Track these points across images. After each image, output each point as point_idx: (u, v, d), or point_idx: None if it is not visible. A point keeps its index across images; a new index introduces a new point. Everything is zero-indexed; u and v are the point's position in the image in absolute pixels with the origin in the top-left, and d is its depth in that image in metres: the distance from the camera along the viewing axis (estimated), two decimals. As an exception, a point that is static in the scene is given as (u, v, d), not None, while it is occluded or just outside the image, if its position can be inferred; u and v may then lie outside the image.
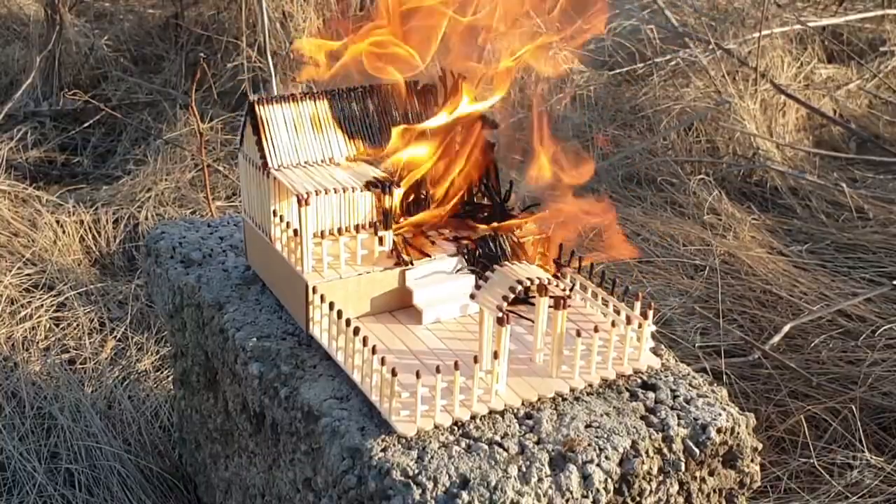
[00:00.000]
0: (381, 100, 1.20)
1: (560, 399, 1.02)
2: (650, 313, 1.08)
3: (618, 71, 3.52)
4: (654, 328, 1.10)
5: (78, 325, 2.04)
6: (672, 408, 1.02)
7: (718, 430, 1.00)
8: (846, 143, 3.34)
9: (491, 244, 1.16)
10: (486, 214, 1.21)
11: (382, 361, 0.96)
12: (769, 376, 1.87)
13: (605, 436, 0.96)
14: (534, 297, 1.07)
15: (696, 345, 1.96)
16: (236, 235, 1.43)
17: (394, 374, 0.94)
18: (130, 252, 2.44)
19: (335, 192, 1.10)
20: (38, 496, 1.55)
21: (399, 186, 1.14)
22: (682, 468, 0.98)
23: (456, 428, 0.96)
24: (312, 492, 1.01)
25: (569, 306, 1.02)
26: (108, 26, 3.86)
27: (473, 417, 0.98)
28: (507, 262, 1.06)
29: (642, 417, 1.00)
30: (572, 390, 1.03)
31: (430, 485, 0.89)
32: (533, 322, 1.08)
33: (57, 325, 2.05)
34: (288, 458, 1.06)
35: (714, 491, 1.03)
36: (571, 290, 1.17)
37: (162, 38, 3.74)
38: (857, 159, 3.14)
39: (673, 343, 1.96)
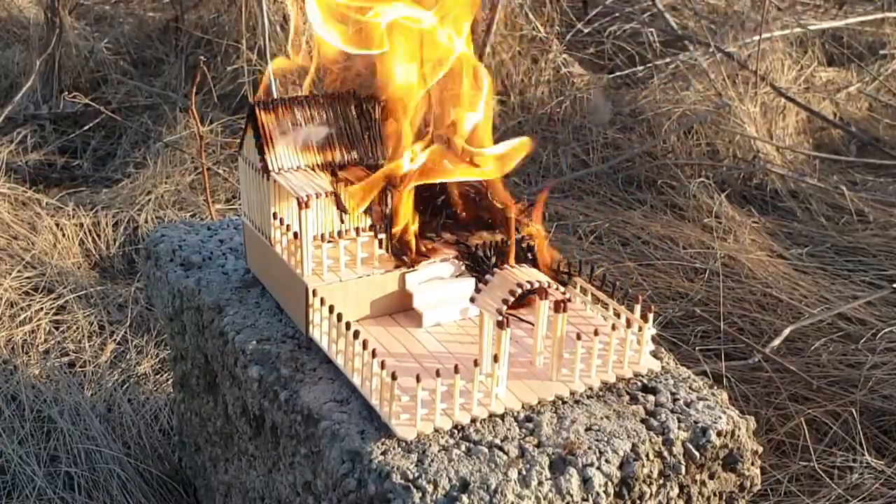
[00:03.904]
0: (382, 104, 1.20)
1: (560, 402, 1.02)
2: (650, 316, 1.08)
3: (618, 74, 3.52)
4: (654, 331, 1.10)
5: (77, 328, 2.04)
6: (672, 411, 1.02)
7: (719, 434, 1.00)
8: (846, 146, 3.34)
9: (491, 247, 1.15)
10: (486, 217, 1.21)
11: (382, 365, 0.96)
12: (769, 379, 1.86)
13: (606, 439, 0.96)
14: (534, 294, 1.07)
15: (697, 348, 1.96)
16: (236, 238, 1.43)
17: (394, 377, 0.94)
18: (130, 255, 2.44)
19: (335, 195, 1.10)
20: (37, 499, 1.55)
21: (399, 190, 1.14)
22: (683, 471, 0.98)
23: (456, 431, 0.96)
24: (312, 495, 1.01)
25: (569, 309, 1.02)
26: (108, 29, 3.86)
27: (473, 421, 0.97)
28: (506, 266, 1.06)
29: (642, 420, 1.00)
30: (572, 393, 1.03)
31: (430, 488, 0.88)
32: (533, 325, 1.08)
33: (56, 328, 2.05)
34: (288, 461, 1.06)
35: (714, 494, 1.03)
36: (566, 286, 1.17)
37: (162, 41, 3.74)
38: (857, 162, 3.14)
39: (673, 346, 1.96)
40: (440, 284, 1.14)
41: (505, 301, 0.98)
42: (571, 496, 0.91)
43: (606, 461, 0.94)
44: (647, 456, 0.96)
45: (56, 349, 1.97)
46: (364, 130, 1.18)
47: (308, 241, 1.09)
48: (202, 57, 2.79)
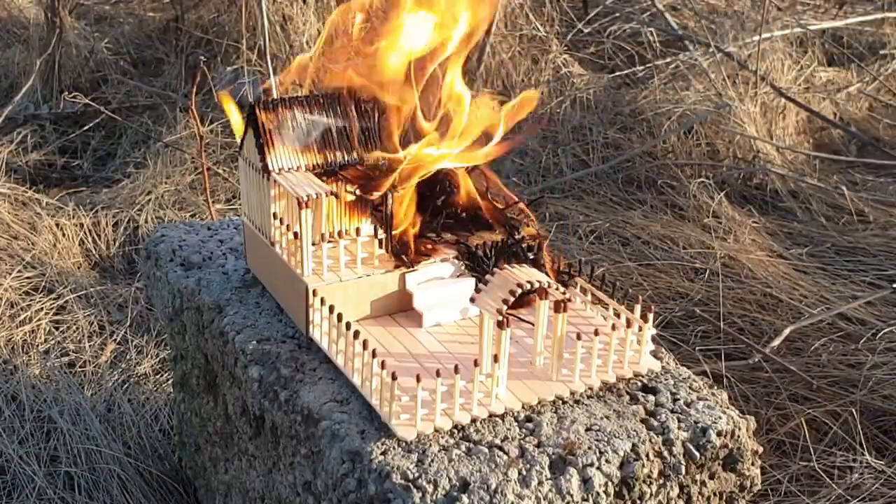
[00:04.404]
0: (382, 105, 1.20)
1: (560, 402, 1.02)
2: (650, 316, 1.08)
3: (618, 74, 3.52)
4: (654, 331, 1.10)
5: (78, 329, 2.04)
6: (672, 411, 1.02)
7: (719, 434, 1.00)
8: (846, 146, 3.34)
9: (491, 247, 1.15)
10: (486, 218, 1.21)
11: (382, 365, 0.96)
12: (769, 379, 1.86)
13: (606, 439, 0.96)
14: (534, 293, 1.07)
15: (697, 348, 1.96)
16: (236, 238, 1.43)
17: (394, 377, 0.94)
18: (130, 255, 2.44)
19: (335, 195, 1.10)
20: (37, 499, 1.55)
21: (399, 190, 1.14)
22: (683, 471, 0.98)
23: (456, 431, 0.96)
24: (312, 495, 1.01)
25: (569, 309, 1.02)
26: (109, 29, 3.86)
27: (473, 421, 0.97)
28: (506, 266, 1.06)
29: (642, 420, 1.00)
30: (572, 393, 1.03)
31: (430, 488, 0.88)
32: (533, 325, 1.08)
33: (57, 329, 2.05)
34: (288, 461, 1.06)
35: (714, 494, 1.03)
36: (567, 288, 1.17)
37: (162, 42, 3.74)
38: (857, 162, 3.14)
39: (673, 346, 1.96)
40: (440, 284, 1.14)
41: (505, 301, 0.98)
42: (571, 496, 0.91)
43: (606, 461, 0.94)
44: (647, 456, 0.96)
45: (56, 349, 1.97)
46: (364, 130, 1.18)
47: (308, 241, 1.09)
48: (202, 57, 2.79)
